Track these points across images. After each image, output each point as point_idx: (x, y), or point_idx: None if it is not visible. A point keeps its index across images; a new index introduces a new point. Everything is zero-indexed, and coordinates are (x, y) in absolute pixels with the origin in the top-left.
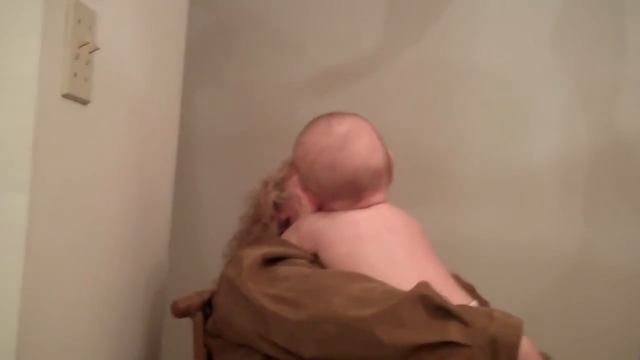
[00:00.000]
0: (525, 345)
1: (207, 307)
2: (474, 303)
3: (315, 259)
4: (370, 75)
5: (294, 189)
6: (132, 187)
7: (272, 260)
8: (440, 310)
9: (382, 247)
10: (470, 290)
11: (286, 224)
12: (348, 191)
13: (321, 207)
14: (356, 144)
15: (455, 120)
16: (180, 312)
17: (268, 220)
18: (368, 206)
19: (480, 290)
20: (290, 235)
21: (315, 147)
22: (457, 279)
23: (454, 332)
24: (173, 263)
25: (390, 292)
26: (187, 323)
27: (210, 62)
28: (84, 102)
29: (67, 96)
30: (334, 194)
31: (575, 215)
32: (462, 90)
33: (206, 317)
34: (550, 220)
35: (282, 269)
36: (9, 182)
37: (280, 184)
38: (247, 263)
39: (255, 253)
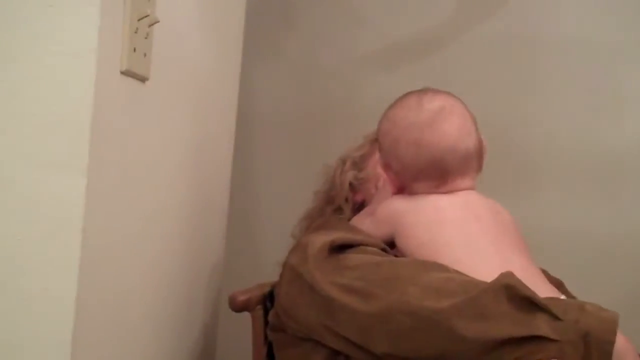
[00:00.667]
0: (621, 342)
1: (267, 300)
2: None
3: (387, 248)
4: (442, 49)
5: (374, 169)
6: (190, 171)
7: (340, 248)
8: (526, 302)
9: (465, 235)
10: (558, 285)
11: (360, 207)
12: (432, 173)
13: (401, 188)
14: (447, 123)
15: (536, 99)
16: (239, 306)
17: (342, 202)
18: (453, 191)
19: (567, 287)
20: (362, 219)
21: (403, 122)
22: (545, 274)
23: (541, 325)
24: (230, 253)
25: (470, 283)
26: (243, 316)
27: (269, 35)
28: (143, 80)
29: (126, 73)
30: (417, 174)
31: None
32: (544, 65)
33: (266, 311)
34: None
35: (351, 257)
36: (67, 165)
37: (358, 163)
38: (313, 250)
39: (322, 239)
